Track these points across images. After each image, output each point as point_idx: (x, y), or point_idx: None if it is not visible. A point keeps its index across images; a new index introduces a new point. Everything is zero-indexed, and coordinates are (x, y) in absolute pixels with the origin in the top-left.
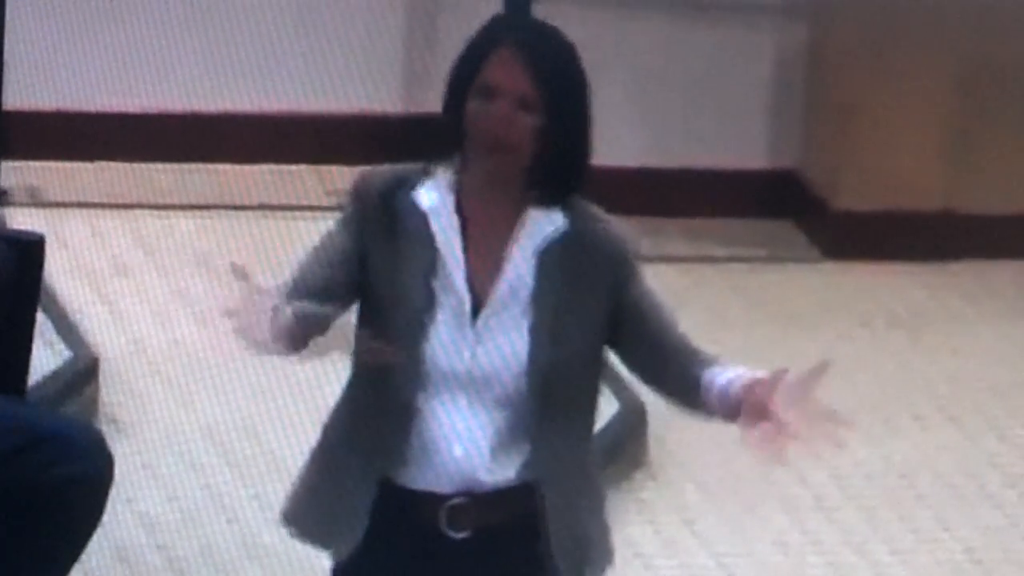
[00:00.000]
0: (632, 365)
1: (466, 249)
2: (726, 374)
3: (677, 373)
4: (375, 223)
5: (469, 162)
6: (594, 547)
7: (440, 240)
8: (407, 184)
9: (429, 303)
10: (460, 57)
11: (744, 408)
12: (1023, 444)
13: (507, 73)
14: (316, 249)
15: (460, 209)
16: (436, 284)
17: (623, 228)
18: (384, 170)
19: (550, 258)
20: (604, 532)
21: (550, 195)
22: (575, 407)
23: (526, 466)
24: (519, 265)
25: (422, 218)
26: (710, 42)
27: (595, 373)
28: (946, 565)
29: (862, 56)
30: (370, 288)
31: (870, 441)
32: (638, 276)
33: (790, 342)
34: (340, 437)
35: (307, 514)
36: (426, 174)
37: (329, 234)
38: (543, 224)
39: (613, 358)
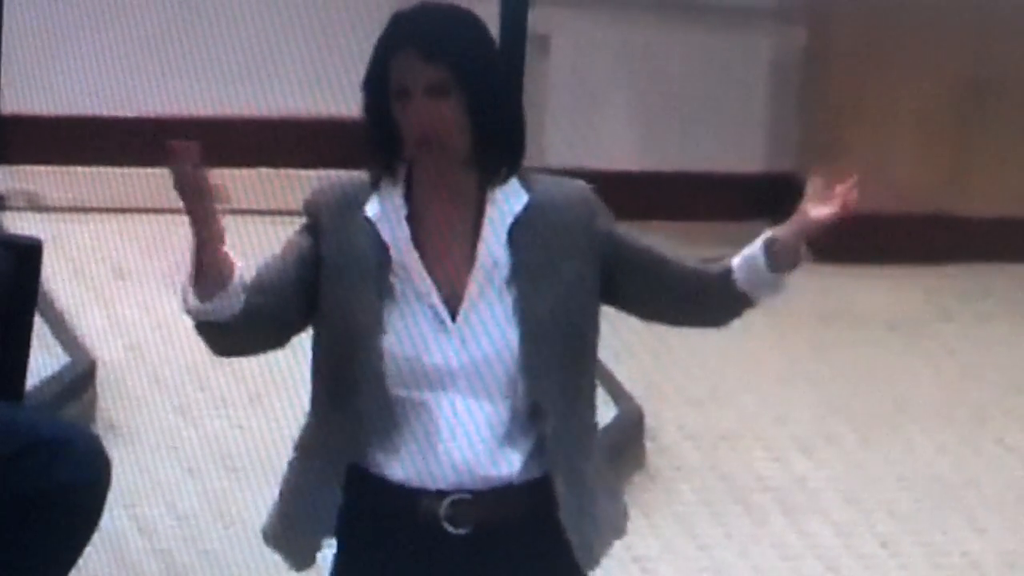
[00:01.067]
0: (646, 306)
1: (424, 248)
2: (745, 251)
3: (698, 285)
4: (330, 236)
5: (414, 162)
6: (605, 520)
7: (392, 247)
8: (357, 197)
9: (392, 307)
10: (369, 63)
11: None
12: (1020, 446)
13: (410, 71)
14: (277, 254)
15: (412, 211)
16: (400, 288)
17: (581, 185)
18: (333, 185)
19: (521, 234)
20: (613, 504)
21: (500, 169)
22: (575, 381)
23: (534, 457)
24: (491, 249)
25: (372, 229)
26: (707, 47)
27: (591, 344)
28: (944, 568)
29: (858, 60)
30: (327, 303)
31: (868, 444)
32: (613, 223)
33: (787, 345)
34: (313, 445)
35: (284, 526)
36: (374, 184)
37: (288, 240)
38: (507, 203)
39: (611, 363)
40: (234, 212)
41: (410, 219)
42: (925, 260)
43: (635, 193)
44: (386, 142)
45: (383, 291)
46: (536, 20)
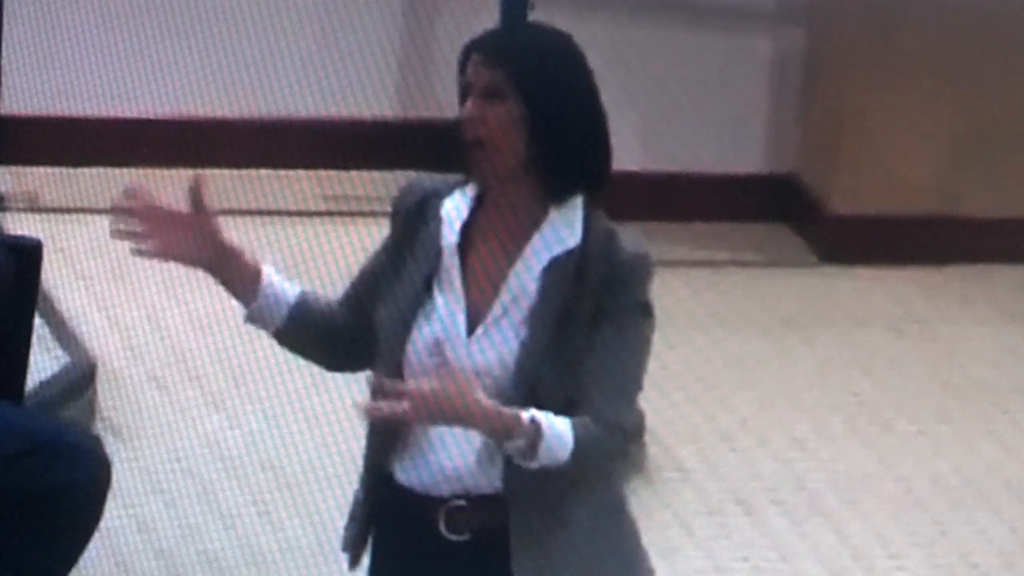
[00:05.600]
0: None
1: (469, 259)
2: None
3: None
4: (404, 234)
5: (469, 165)
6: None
7: (445, 249)
8: (442, 194)
9: (421, 307)
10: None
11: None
12: (1020, 448)
13: (474, 71)
14: (366, 261)
15: (475, 220)
16: (437, 290)
17: (637, 252)
18: (425, 179)
19: (556, 273)
20: (616, 563)
21: (561, 191)
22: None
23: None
24: (524, 277)
25: (438, 228)
26: (707, 47)
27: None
28: (943, 570)
29: (858, 61)
30: (381, 297)
31: (867, 445)
32: (619, 318)
33: (786, 346)
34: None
35: (347, 526)
36: (462, 184)
37: (374, 252)
38: (557, 238)
39: None
40: (233, 213)
41: (471, 226)
42: (925, 260)
43: (635, 193)
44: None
45: (422, 292)
46: (536, 19)
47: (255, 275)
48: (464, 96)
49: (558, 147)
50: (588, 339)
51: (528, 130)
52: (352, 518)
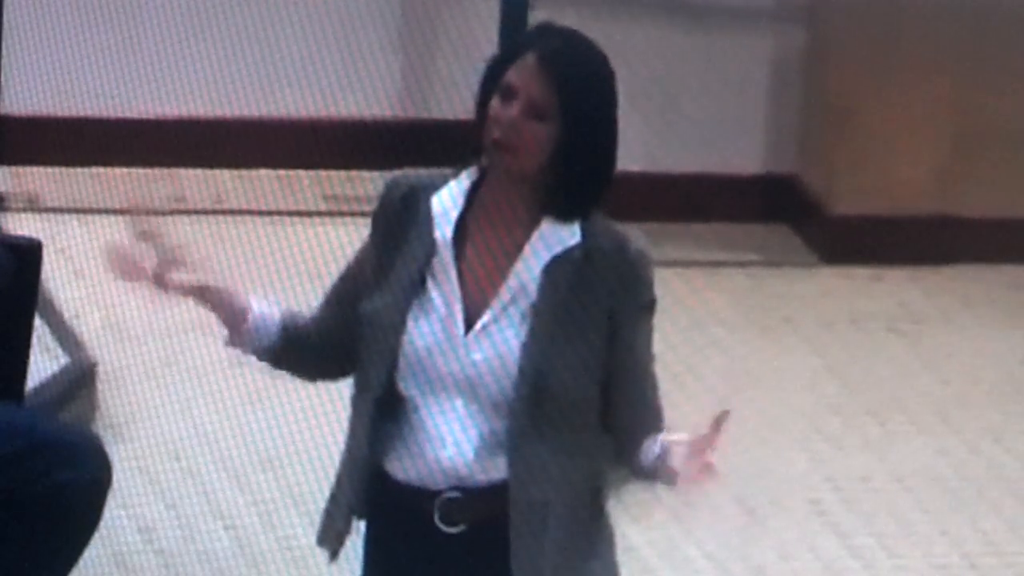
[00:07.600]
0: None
1: (465, 255)
2: (650, 450)
3: (625, 430)
4: (391, 228)
5: (487, 161)
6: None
7: (439, 244)
8: (430, 188)
9: (415, 300)
10: (491, 59)
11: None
12: (1020, 448)
13: (525, 77)
14: (347, 265)
15: (469, 214)
16: (431, 285)
17: (639, 247)
18: (412, 174)
19: (558, 272)
20: (592, 556)
21: (566, 208)
22: (567, 425)
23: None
24: (524, 275)
25: (430, 222)
26: (707, 47)
27: (594, 397)
28: (943, 570)
29: (859, 61)
30: (370, 291)
31: (867, 445)
32: (640, 315)
33: (786, 346)
34: (346, 438)
35: (323, 518)
36: (453, 178)
37: (361, 248)
38: (557, 237)
39: None
40: (233, 213)
41: (464, 220)
42: (925, 260)
43: (635, 193)
44: (478, 133)
45: (416, 285)
46: (536, 19)
47: (242, 309)
48: (496, 84)
49: (580, 174)
50: (613, 342)
51: (555, 151)
52: (329, 513)
